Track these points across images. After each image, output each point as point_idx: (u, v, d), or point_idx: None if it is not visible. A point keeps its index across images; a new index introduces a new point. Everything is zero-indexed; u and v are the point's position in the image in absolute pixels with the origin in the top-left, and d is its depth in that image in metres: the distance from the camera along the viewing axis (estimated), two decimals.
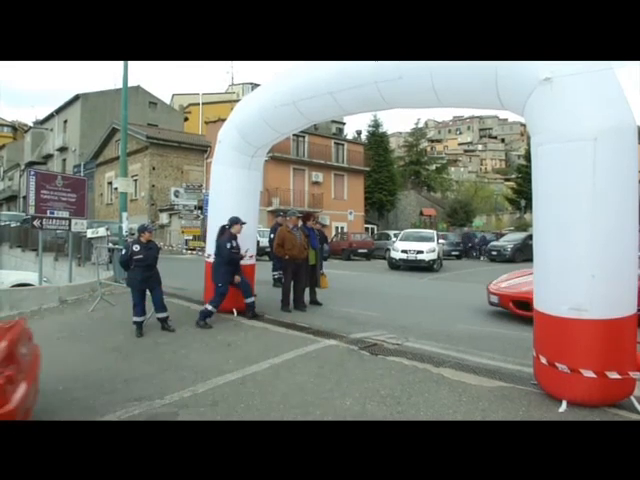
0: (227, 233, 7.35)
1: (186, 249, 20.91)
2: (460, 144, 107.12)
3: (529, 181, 4.67)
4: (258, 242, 8.65)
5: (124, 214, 12.88)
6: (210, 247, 8.03)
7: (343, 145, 35.58)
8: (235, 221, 7.39)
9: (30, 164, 42.77)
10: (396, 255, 18.39)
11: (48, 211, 10.89)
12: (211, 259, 7.83)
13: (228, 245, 7.21)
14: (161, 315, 7.12)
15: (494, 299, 8.52)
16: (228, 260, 7.23)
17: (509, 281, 8.92)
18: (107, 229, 12.65)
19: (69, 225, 11.38)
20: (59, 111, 43.55)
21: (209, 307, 7.28)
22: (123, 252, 7.15)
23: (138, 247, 6.92)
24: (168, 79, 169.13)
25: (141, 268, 6.91)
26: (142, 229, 7.11)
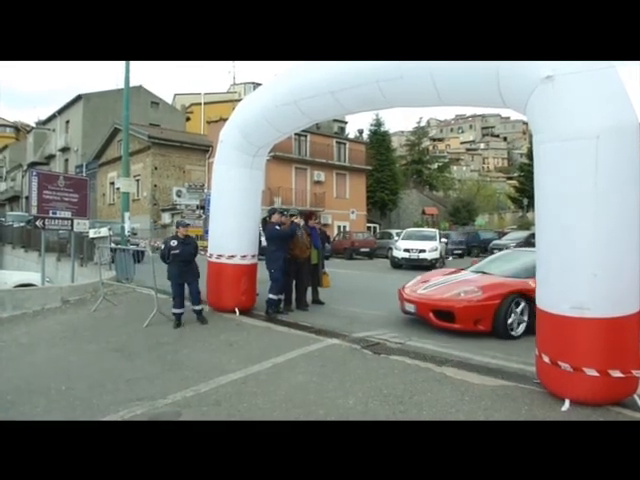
0: (270, 223, 7.96)
1: None
2: (462, 143, 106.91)
3: (531, 180, 4.66)
4: (260, 242, 8.65)
5: (126, 214, 12.92)
6: (212, 247, 8.04)
7: (345, 144, 35.53)
8: (273, 211, 8.21)
9: (32, 164, 42.77)
10: (398, 254, 18.38)
11: (50, 211, 10.90)
12: (213, 259, 7.84)
13: (277, 227, 7.81)
14: (197, 307, 7.43)
15: (409, 307, 7.19)
16: (274, 238, 7.74)
17: (428, 283, 7.55)
18: (109, 229, 12.68)
19: (71, 225, 11.39)
20: (61, 111, 43.60)
21: (272, 296, 7.67)
22: (162, 247, 7.51)
23: (175, 242, 7.24)
24: (170, 79, 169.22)
25: (178, 262, 7.19)
26: (178, 225, 7.59)
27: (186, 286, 7.38)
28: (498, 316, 6.43)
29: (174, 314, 7.26)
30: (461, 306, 6.51)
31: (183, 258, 7.19)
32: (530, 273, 6.68)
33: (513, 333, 6.53)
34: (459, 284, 7.14)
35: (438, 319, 6.70)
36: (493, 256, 9.31)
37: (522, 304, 6.60)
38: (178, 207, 27.72)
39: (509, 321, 6.49)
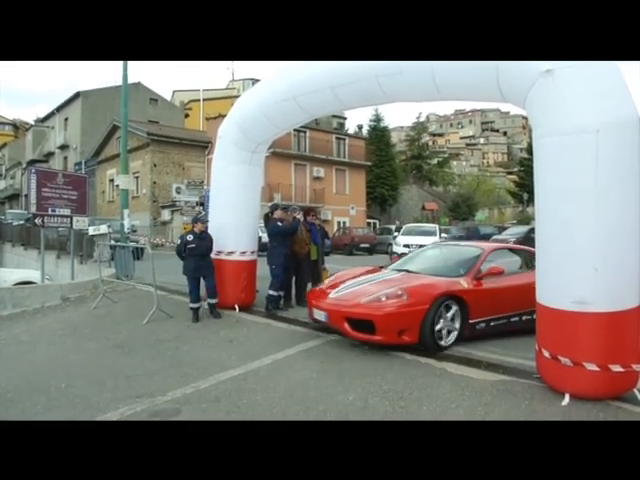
0: (272, 219, 7.90)
1: None
2: (462, 138, 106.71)
3: (531, 174, 4.65)
4: (260, 238, 8.65)
5: (126, 211, 12.89)
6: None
7: (344, 140, 35.48)
8: (275, 207, 8.15)
9: (31, 162, 42.74)
10: (398, 249, 18.37)
11: (49, 209, 10.87)
12: (212, 255, 7.82)
13: (279, 223, 7.75)
14: (212, 301, 7.48)
15: (319, 315, 5.96)
16: (276, 234, 7.72)
17: (342, 285, 6.30)
18: (109, 226, 12.66)
19: (71, 223, 11.37)
20: (60, 109, 43.53)
21: (272, 293, 7.67)
22: (178, 242, 7.55)
23: (192, 237, 7.29)
24: (169, 75, 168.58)
25: (194, 257, 7.25)
26: (195, 220, 7.62)
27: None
28: (425, 324, 5.38)
29: (191, 309, 7.32)
30: (382, 313, 5.31)
31: (199, 252, 7.25)
32: (461, 270, 6.28)
33: (442, 343, 5.57)
34: (379, 285, 5.98)
35: (354, 330, 5.48)
36: (418, 251, 8.15)
37: (454, 308, 5.67)
38: (177, 204, 27.70)
39: (437, 328, 5.50)
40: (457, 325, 5.72)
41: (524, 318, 6.19)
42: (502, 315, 6.11)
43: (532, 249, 7.45)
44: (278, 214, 7.95)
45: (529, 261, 6.58)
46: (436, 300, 5.47)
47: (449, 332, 5.67)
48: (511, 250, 7.55)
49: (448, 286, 5.76)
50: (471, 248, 7.02)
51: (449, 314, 5.64)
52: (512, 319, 6.22)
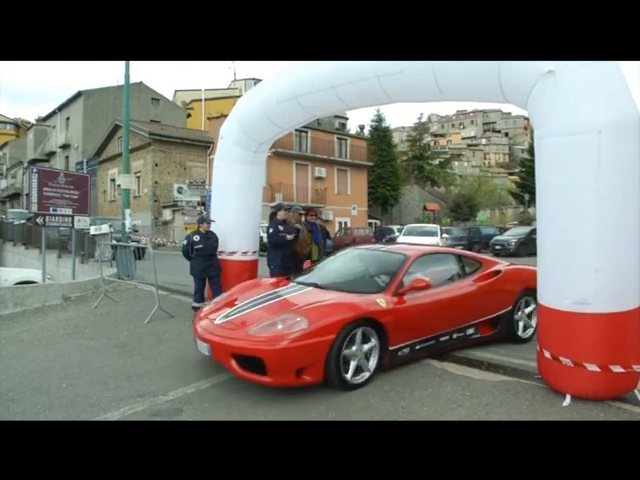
0: (275, 221, 7.89)
1: None
2: (463, 138, 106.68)
3: (533, 175, 4.64)
4: (261, 238, 8.65)
5: (127, 211, 12.92)
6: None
7: (346, 140, 35.51)
8: (279, 207, 8.09)
9: (33, 162, 42.82)
10: None
11: (51, 208, 10.88)
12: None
13: (271, 230, 7.70)
14: None
15: (202, 348, 4.73)
16: (273, 243, 7.65)
17: (234, 307, 5.04)
18: (110, 226, 12.66)
19: (72, 222, 11.38)
20: (61, 108, 43.56)
21: None
22: (185, 242, 7.55)
23: (198, 237, 7.32)
24: (171, 75, 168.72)
25: (201, 257, 7.30)
26: (201, 220, 7.60)
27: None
28: (330, 359, 4.23)
29: (193, 308, 7.37)
30: (274, 349, 4.11)
31: (206, 252, 7.29)
32: (381, 284, 5.15)
33: (352, 381, 4.41)
34: (277, 307, 4.82)
35: (243, 369, 4.28)
36: (331, 258, 6.65)
37: (372, 341, 4.55)
38: (179, 204, 27.75)
39: (351, 365, 4.41)
40: (373, 362, 4.58)
41: (455, 336, 5.35)
42: (430, 336, 5.10)
43: (467, 252, 6.76)
44: (281, 215, 7.92)
45: (462, 268, 5.91)
46: (344, 327, 4.30)
47: (360, 369, 4.51)
48: (441, 254, 6.33)
49: (362, 307, 4.58)
50: (393, 255, 5.76)
51: (366, 346, 4.52)
52: (442, 339, 5.23)
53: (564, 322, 4.11)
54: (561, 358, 4.11)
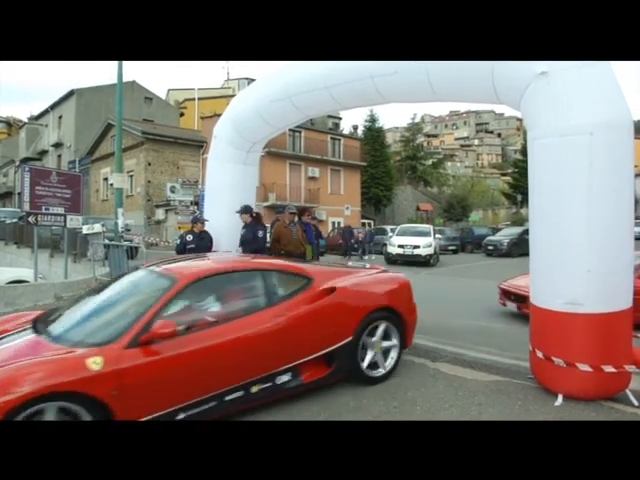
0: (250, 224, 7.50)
1: None
2: (456, 139, 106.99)
3: (525, 176, 4.67)
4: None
5: (120, 210, 12.85)
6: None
7: (339, 140, 35.52)
8: (243, 210, 7.49)
9: (25, 160, 42.48)
10: (393, 250, 18.43)
11: (43, 207, 10.81)
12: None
13: (242, 231, 7.45)
14: None
15: None
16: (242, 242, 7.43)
17: None
18: (103, 225, 12.62)
19: (64, 221, 11.32)
20: (54, 107, 43.26)
21: None
22: (178, 242, 7.51)
23: (191, 237, 7.27)
24: (164, 74, 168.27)
25: None
26: (195, 220, 7.54)
27: None
28: None
29: None
30: None
31: (199, 252, 7.16)
32: (116, 332, 3.47)
33: None
34: None
35: None
36: (88, 290, 5.27)
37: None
38: (172, 203, 27.64)
39: None
40: None
41: (255, 390, 3.89)
42: (205, 396, 3.63)
43: (289, 265, 4.84)
44: (244, 218, 7.48)
45: (273, 289, 4.36)
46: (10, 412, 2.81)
47: None
48: (239, 272, 4.48)
49: (46, 380, 2.99)
50: (159, 278, 4.17)
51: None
52: (228, 397, 3.75)
53: (556, 322, 4.13)
54: (553, 358, 4.13)
